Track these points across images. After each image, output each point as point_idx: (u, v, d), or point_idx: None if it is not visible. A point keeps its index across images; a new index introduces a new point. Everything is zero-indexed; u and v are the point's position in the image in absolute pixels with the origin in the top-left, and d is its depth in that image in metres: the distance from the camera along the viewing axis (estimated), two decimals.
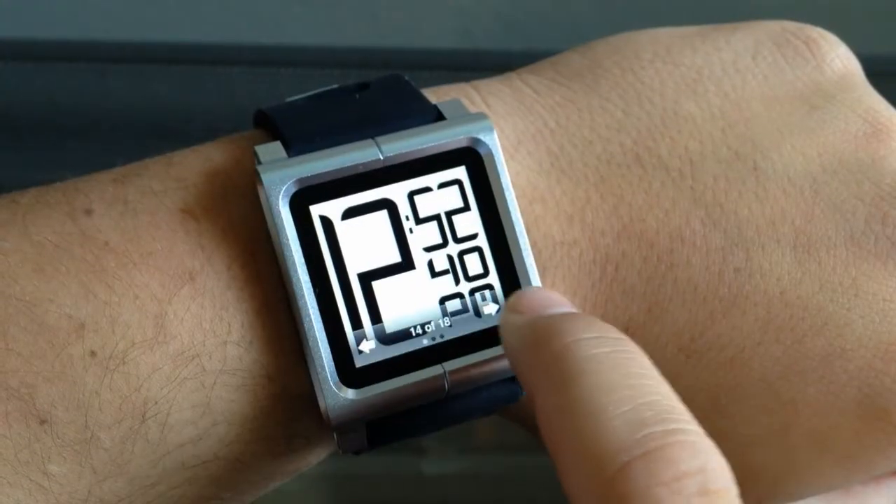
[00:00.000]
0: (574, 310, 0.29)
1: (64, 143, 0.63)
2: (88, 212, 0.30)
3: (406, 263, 0.31)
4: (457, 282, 0.31)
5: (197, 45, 0.68)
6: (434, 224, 0.31)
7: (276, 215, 0.30)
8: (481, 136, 0.32)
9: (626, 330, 0.32)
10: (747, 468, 0.32)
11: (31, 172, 0.61)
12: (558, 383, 0.26)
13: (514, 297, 0.29)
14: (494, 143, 0.32)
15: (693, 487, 0.24)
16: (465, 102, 0.33)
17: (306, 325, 0.30)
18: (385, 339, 0.31)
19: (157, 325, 0.29)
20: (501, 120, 0.33)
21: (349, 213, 0.31)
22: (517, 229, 0.31)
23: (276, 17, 0.72)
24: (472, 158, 0.32)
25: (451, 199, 0.32)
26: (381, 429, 0.31)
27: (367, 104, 0.32)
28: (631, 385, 0.26)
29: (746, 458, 0.31)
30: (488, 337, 0.31)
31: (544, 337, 0.27)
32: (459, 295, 0.31)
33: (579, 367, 0.26)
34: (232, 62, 0.65)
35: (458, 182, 0.32)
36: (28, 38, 0.68)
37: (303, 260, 0.30)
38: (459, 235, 0.32)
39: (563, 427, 0.26)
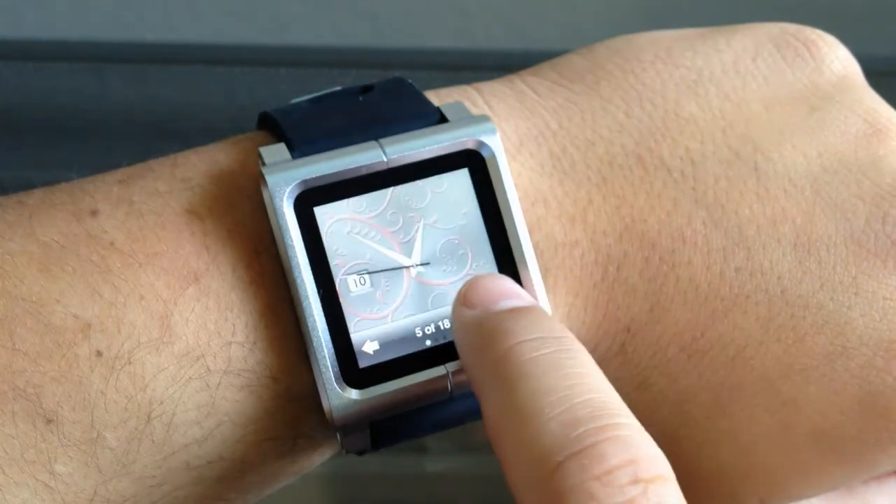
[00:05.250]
0: (523, 301, 0.30)
1: (64, 143, 0.63)
2: (94, 212, 0.30)
3: (409, 264, 0.31)
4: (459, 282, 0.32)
5: (197, 45, 0.68)
6: (437, 225, 0.32)
7: (280, 216, 0.30)
8: (484, 139, 0.32)
9: (628, 330, 0.32)
10: (749, 467, 0.32)
11: (31, 172, 0.61)
12: (500, 388, 0.27)
13: (465, 288, 0.30)
14: (497, 145, 0.32)
15: (624, 479, 0.25)
16: (468, 104, 0.33)
17: (310, 326, 0.30)
18: (388, 339, 0.31)
19: (162, 326, 0.30)
20: (503, 122, 0.33)
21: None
22: (520, 230, 0.31)
23: (276, 17, 0.72)
24: (475, 160, 0.32)
25: (454, 201, 0.32)
26: (385, 429, 0.32)
27: (371, 106, 0.33)
28: (568, 386, 0.27)
29: (748, 458, 0.32)
30: None
31: (489, 339, 0.28)
32: None
33: (520, 371, 0.27)
34: (232, 62, 0.65)
35: (460, 184, 0.32)
36: (28, 38, 0.68)
37: (307, 261, 0.30)
38: (462, 236, 0.32)
39: (505, 430, 0.27)
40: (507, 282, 0.30)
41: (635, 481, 0.25)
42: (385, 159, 0.31)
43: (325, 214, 0.31)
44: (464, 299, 0.30)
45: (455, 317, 0.30)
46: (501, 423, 0.27)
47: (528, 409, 0.26)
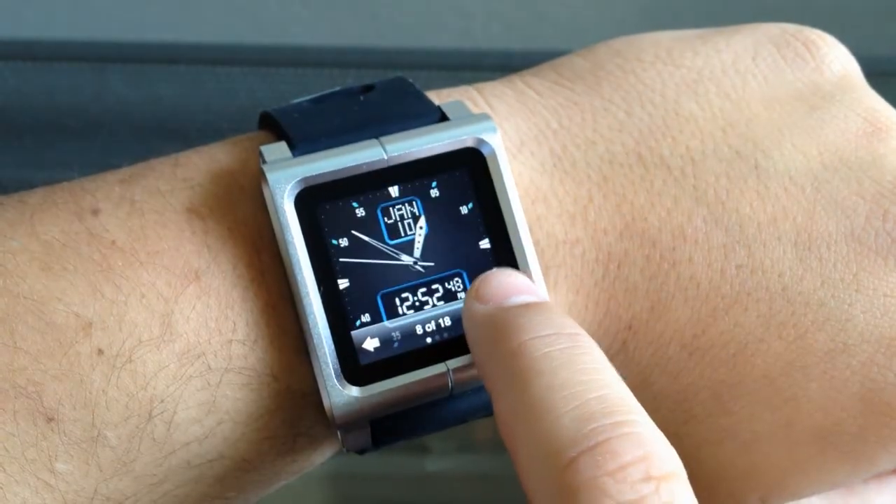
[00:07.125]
0: (535, 297, 0.30)
1: (64, 143, 0.63)
2: (96, 211, 0.30)
3: (410, 262, 0.31)
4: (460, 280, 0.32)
5: (197, 45, 0.68)
6: (437, 224, 0.32)
7: (281, 214, 0.30)
8: (485, 137, 0.32)
9: (629, 328, 0.32)
10: (750, 465, 0.32)
11: (31, 172, 0.61)
12: (513, 383, 0.27)
13: (477, 283, 0.30)
14: (498, 144, 0.32)
15: (637, 475, 0.25)
16: (468, 104, 0.33)
17: (311, 323, 0.30)
18: (389, 337, 0.31)
19: (163, 324, 0.30)
20: (504, 121, 0.33)
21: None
22: (520, 229, 0.31)
23: (276, 17, 0.72)
24: (476, 159, 0.32)
25: (455, 199, 0.32)
26: (386, 428, 0.32)
27: (372, 105, 0.33)
28: (581, 381, 0.27)
29: (749, 455, 0.32)
30: None
31: (502, 333, 0.28)
32: (462, 294, 0.31)
33: (533, 366, 0.27)
34: (232, 62, 0.65)
35: (461, 182, 0.32)
36: (28, 38, 0.68)
37: (308, 258, 0.30)
38: (462, 234, 0.32)
39: (518, 425, 0.27)
40: (520, 277, 0.30)
41: (647, 478, 0.25)
42: (385, 157, 0.31)
43: (326, 212, 0.31)
44: (476, 294, 0.30)
45: (467, 312, 0.30)
46: (514, 419, 0.27)
47: (541, 405, 0.26)
